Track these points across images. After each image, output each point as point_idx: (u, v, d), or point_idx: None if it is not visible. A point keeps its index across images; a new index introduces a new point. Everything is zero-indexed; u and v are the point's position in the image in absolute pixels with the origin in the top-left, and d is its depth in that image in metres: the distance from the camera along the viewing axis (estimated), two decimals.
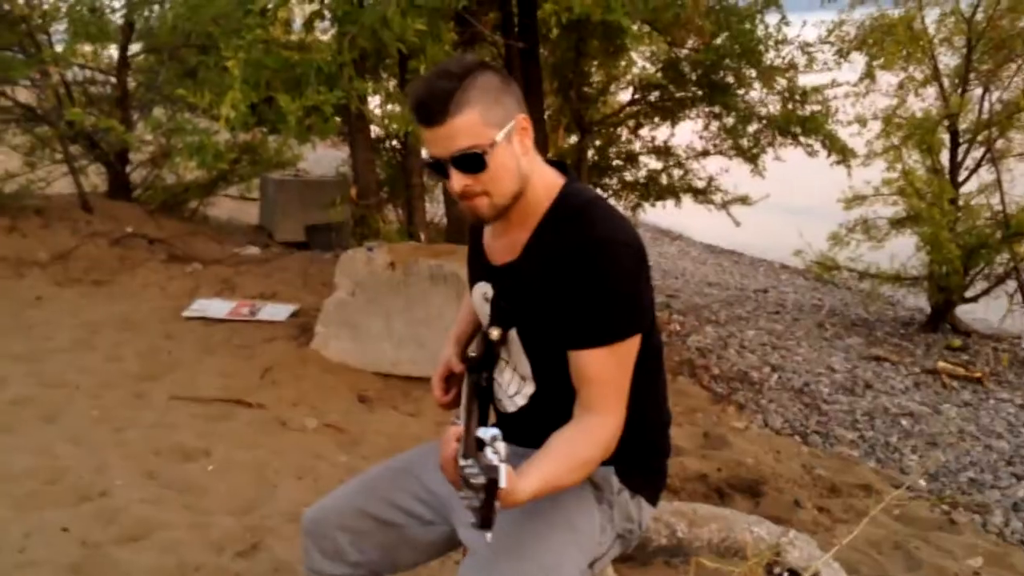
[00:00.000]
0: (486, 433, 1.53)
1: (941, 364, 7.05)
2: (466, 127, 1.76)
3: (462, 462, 1.49)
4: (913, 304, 9.48)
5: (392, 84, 6.48)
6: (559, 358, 1.86)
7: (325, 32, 5.65)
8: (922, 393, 6.44)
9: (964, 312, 8.56)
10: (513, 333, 1.94)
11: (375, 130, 7.46)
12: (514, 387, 2.01)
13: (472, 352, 2.17)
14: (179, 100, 7.32)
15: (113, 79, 9.40)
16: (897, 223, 8.29)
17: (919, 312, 9.05)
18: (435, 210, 8.30)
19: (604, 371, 1.81)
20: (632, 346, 1.84)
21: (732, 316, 8.56)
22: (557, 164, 1.98)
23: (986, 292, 8.29)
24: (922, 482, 4.85)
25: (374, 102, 5.80)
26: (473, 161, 1.77)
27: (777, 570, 2.02)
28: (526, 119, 1.86)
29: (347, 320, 5.36)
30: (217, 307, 6.33)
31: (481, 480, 1.46)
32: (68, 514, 3.45)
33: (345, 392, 5.05)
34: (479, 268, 2.07)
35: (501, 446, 1.52)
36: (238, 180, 10.65)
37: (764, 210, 8.90)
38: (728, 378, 6.39)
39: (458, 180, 1.80)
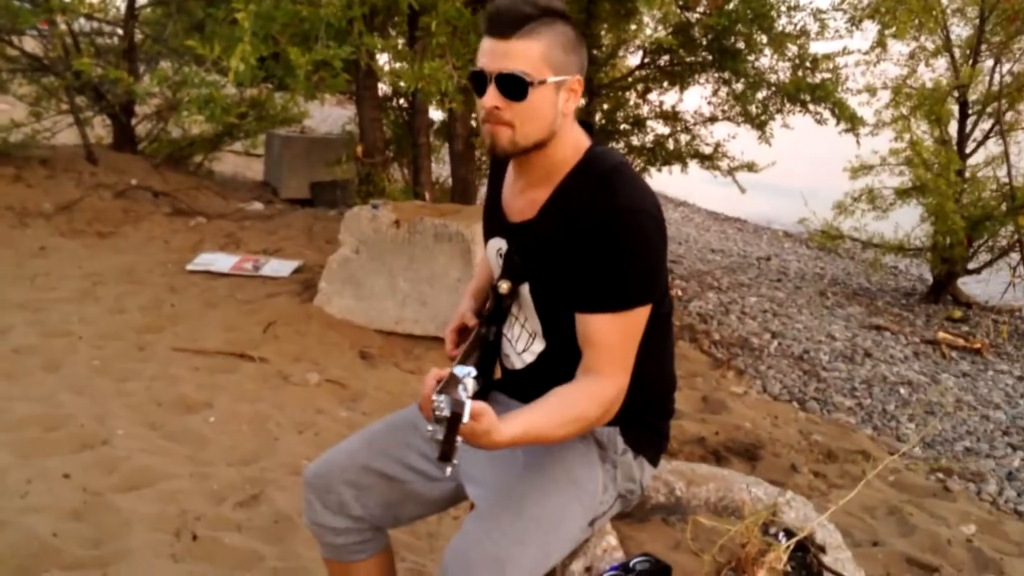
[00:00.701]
0: (461, 371, 1.55)
1: (941, 334, 7.06)
2: (525, 52, 1.76)
3: (434, 397, 1.50)
4: (915, 274, 9.49)
5: (401, 42, 6.43)
6: (570, 318, 1.87)
7: None
8: (921, 363, 6.46)
9: (966, 283, 8.58)
10: (525, 290, 1.94)
11: (382, 88, 7.44)
12: (523, 343, 2.01)
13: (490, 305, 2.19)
14: (186, 53, 7.30)
15: (120, 31, 9.35)
16: (903, 193, 8.29)
17: (920, 282, 9.06)
18: (440, 170, 8.29)
19: (610, 336, 1.81)
20: (642, 315, 1.84)
21: (734, 282, 8.57)
22: (585, 125, 1.97)
23: (989, 264, 8.31)
24: (918, 450, 4.88)
25: (383, 59, 5.78)
26: (516, 86, 1.76)
27: (773, 530, 2.03)
28: (580, 83, 1.86)
29: (351, 277, 5.37)
30: (221, 261, 6.35)
31: (446, 413, 1.47)
32: (70, 461, 3.48)
33: (347, 348, 5.07)
34: (495, 224, 2.06)
35: (470, 382, 1.54)
36: (244, 136, 10.63)
37: (769, 179, 8.88)
38: (728, 343, 6.41)
39: (492, 98, 1.78)
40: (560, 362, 1.89)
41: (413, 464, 2.05)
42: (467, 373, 1.55)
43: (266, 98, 9.82)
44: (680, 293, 7.74)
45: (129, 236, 7.13)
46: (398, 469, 2.04)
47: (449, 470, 1.53)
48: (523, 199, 1.96)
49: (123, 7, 9.27)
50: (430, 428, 1.51)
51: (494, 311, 2.02)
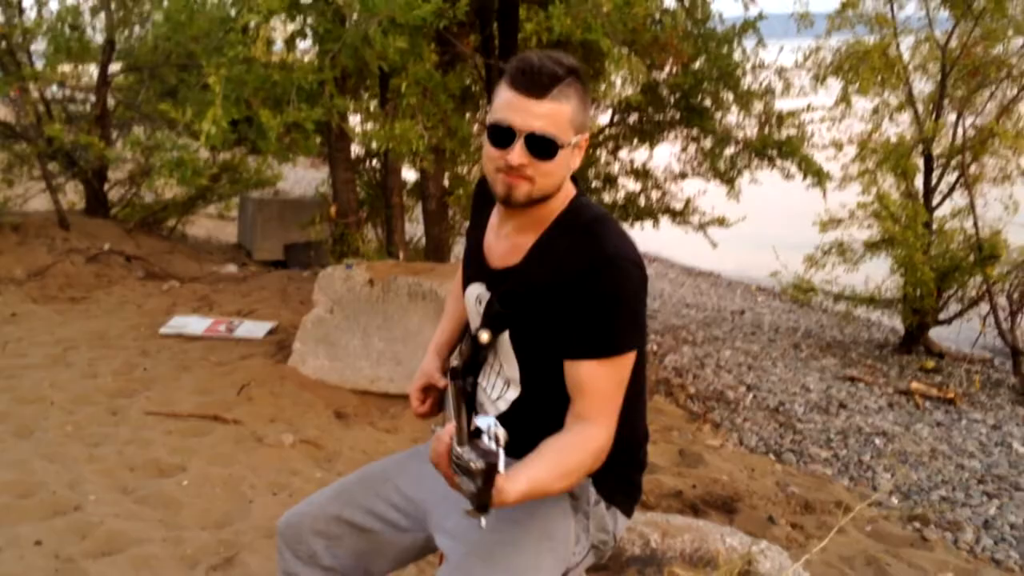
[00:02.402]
0: (483, 422, 1.55)
1: (914, 385, 7.11)
2: (557, 115, 1.82)
3: (457, 450, 1.51)
4: (887, 326, 9.56)
5: (373, 104, 6.50)
6: (549, 364, 1.89)
7: (306, 53, 5.71)
8: (895, 413, 6.49)
9: (938, 334, 8.65)
10: (504, 337, 1.96)
11: (354, 150, 7.49)
12: (497, 391, 2.03)
13: (455, 360, 2.19)
14: (158, 119, 7.34)
15: (93, 97, 9.40)
16: (872, 246, 8.37)
17: (893, 333, 9.12)
18: (413, 230, 8.32)
19: (600, 383, 1.83)
20: (629, 361, 1.87)
21: (709, 337, 8.61)
22: (571, 177, 2.01)
23: (959, 315, 8.37)
24: (894, 500, 4.89)
25: (354, 120, 5.83)
26: (547, 147, 1.82)
27: None
28: (587, 140, 1.92)
29: (325, 337, 5.36)
30: (194, 324, 6.33)
31: (480, 465, 1.48)
32: (42, 528, 3.44)
33: (322, 408, 5.05)
34: (476, 270, 2.08)
35: (500, 432, 1.54)
36: (217, 199, 10.66)
37: (741, 233, 8.96)
38: (704, 397, 6.43)
39: (520, 155, 1.82)
40: (535, 409, 1.90)
41: (382, 514, 2.05)
42: (490, 423, 1.55)
43: (239, 161, 9.88)
44: (655, 347, 7.77)
45: (101, 301, 7.10)
46: (368, 519, 2.04)
47: (484, 521, 1.55)
48: (507, 244, 1.99)
49: (95, 74, 9.32)
50: (459, 482, 1.51)
51: (470, 361, 2.03)
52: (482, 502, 1.51)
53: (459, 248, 8.01)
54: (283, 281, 7.89)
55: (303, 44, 5.45)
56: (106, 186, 9.67)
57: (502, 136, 1.83)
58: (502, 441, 1.53)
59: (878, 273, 8.62)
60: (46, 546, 3.31)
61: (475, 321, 2.06)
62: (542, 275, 1.89)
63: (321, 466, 4.36)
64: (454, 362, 2.26)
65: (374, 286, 5.25)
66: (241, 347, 5.92)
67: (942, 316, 8.43)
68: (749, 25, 6.28)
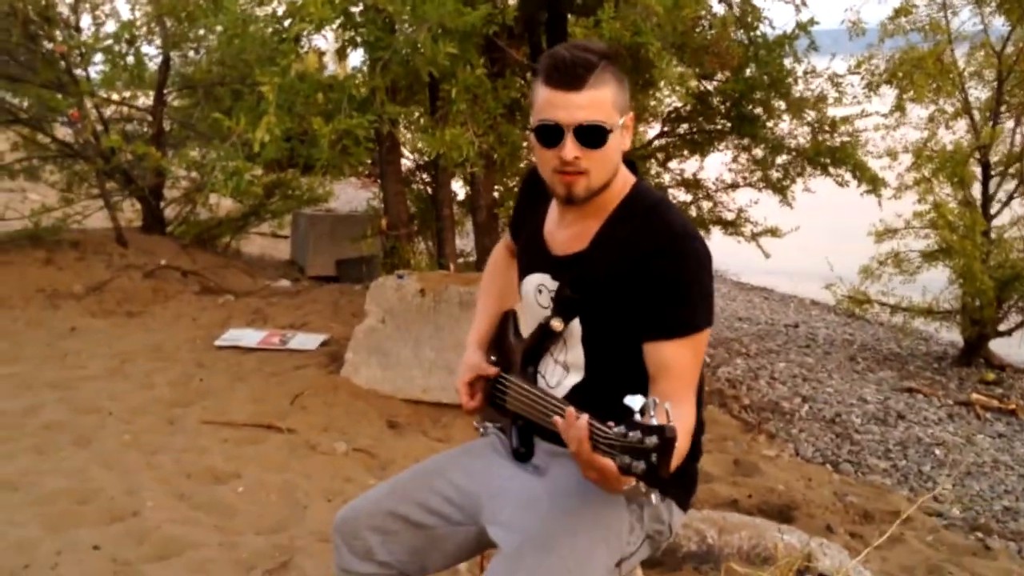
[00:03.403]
0: (635, 401, 1.52)
1: (975, 396, 6.97)
2: (600, 102, 1.83)
3: (614, 432, 1.50)
4: (946, 338, 9.38)
5: (420, 115, 6.54)
6: (615, 348, 1.90)
7: (356, 70, 5.77)
8: (955, 424, 6.36)
9: (998, 346, 8.47)
10: (574, 323, 1.95)
11: (405, 164, 7.55)
12: (556, 378, 2.02)
13: (492, 356, 2.18)
14: (213, 137, 7.46)
15: (149, 116, 9.58)
16: (929, 256, 8.23)
17: (952, 346, 8.95)
18: (464, 244, 8.35)
19: (682, 362, 1.84)
20: (706, 339, 1.89)
21: (762, 349, 8.51)
22: (627, 163, 2.02)
23: (1020, 325, 8.20)
24: (956, 510, 4.78)
25: (405, 133, 5.88)
26: (597, 135, 1.83)
27: None
28: (633, 118, 1.93)
29: (377, 347, 5.38)
30: (249, 336, 6.39)
31: (654, 440, 1.46)
32: (99, 533, 3.49)
33: (375, 418, 5.06)
34: (536, 259, 2.08)
35: (668, 405, 1.51)
36: (270, 216, 10.79)
37: (795, 245, 8.86)
38: (759, 408, 6.35)
39: (573, 149, 1.83)
40: (596, 393, 1.89)
41: (436, 508, 2.05)
42: (645, 400, 1.52)
43: (291, 179, 10.00)
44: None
45: (158, 315, 7.21)
46: (422, 514, 2.04)
47: (655, 498, 1.54)
48: (569, 232, 2.00)
49: (151, 95, 9.51)
50: (630, 462, 1.49)
51: (533, 349, 2.02)
52: (660, 476, 1.48)
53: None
54: (335, 295, 7.94)
55: (354, 54, 5.52)
56: (162, 204, 9.84)
57: (551, 135, 1.85)
58: (670, 413, 1.50)
59: (936, 284, 8.47)
60: (104, 551, 3.34)
61: (535, 311, 2.06)
62: (611, 259, 1.90)
63: (374, 474, 4.36)
64: (491, 358, 2.24)
65: (425, 296, 5.26)
66: (294, 358, 5.96)
67: (1002, 327, 8.25)
68: (802, 27, 6.21)
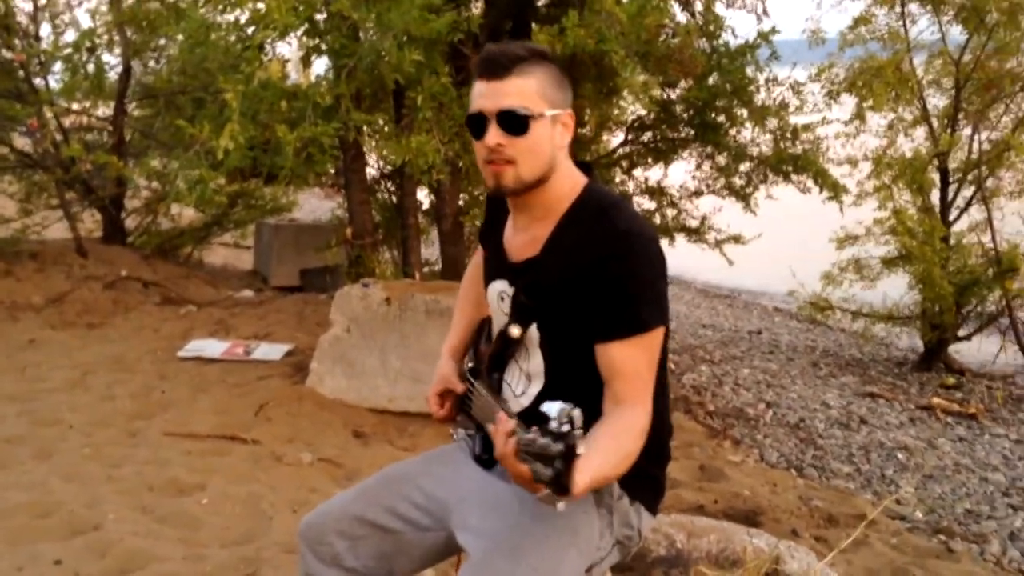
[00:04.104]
0: (551, 407, 1.51)
1: (935, 400, 7.04)
2: (523, 89, 1.84)
3: (526, 438, 1.48)
4: (906, 344, 9.49)
5: (384, 122, 6.51)
6: (575, 354, 1.88)
7: (320, 77, 5.74)
8: (917, 428, 6.43)
9: (958, 352, 8.58)
10: (532, 329, 1.95)
11: (369, 172, 7.52)
12: (521, 386, 2.02)
13: (469, 362, 2.18)
14: (175, 146, 7.40)
15: (109, 127, 9.49)
16: (889, 262, 8.33)
17: (912, 352, 9.05)
18: (429, 253, 8.33)
19: (634, 362, 1.83)
20: (658, 338, 1.86)
21: (727, 356, 8.57)
22: (583, 165, 2.02)
23: (979, 330, 8.31)
24: (919, 513, 4.83)
25: (370, 140, 5.87)
26: (517, 122, 1.83)
27: None
28: (572, 117, 1.93)
29: (342, 357, 5.35)
30: (212, 347, 6.33)
31: (559, 447, 1.46)
32: (61, 547, 3.43)
33: (340, 428, 5.03)
34: (496, 266, 2.08)
35: (576, 412, 1.50)
36: (233, 226, 10.71)
37: (757, 253, 8.93)
38: (723, 414, 6.38)
39: (495, 136, 1.85)
40: (561, 398, 1.88)
41: (404, 513, 2.04)
42: (561, 407, 1.51)
43: (255, 188, 9.93)
44: (673, 366, 7.73)
45: (119, 326, 7.12)
46: (390, 519, 2.03)
47: (562, 506, 1.51)
48: (524, 237, 2.00)
49: (112, 105, 9.41)
50: (539, 468, 1.48)
51: (497, 357, 2.02)
52: (563, 484, 1.48)
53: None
54: (300, 305, 7.89)
55: (317, 68, 5.50)
56: (123, 214, 9.73)
57: (478, 125, 1.87)
58: (578, 421, 1.49)
59: (896, 290, 8.57)
60: (66, 565, 3.29)
61: (499, 318, 2.06)
62: (562, 263, 1.89)
63: (340, 484, 4.33)
64: (469, 364, 2.25)
65: (391, 305, 5.24)
66: (259, 369, 5.92)
67: (961, 332, 8.36)
68: (764, 37, 6.27)
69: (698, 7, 6.38)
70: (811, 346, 9.53)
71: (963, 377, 8.11)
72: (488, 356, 2.06)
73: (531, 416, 1.90)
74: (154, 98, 9.40)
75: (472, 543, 1.90)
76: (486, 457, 2.05)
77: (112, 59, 8.54)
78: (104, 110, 9.61)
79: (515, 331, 1.96)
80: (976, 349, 8.53)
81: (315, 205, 14.93)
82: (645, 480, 2.01)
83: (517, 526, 1.83)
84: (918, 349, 8.82)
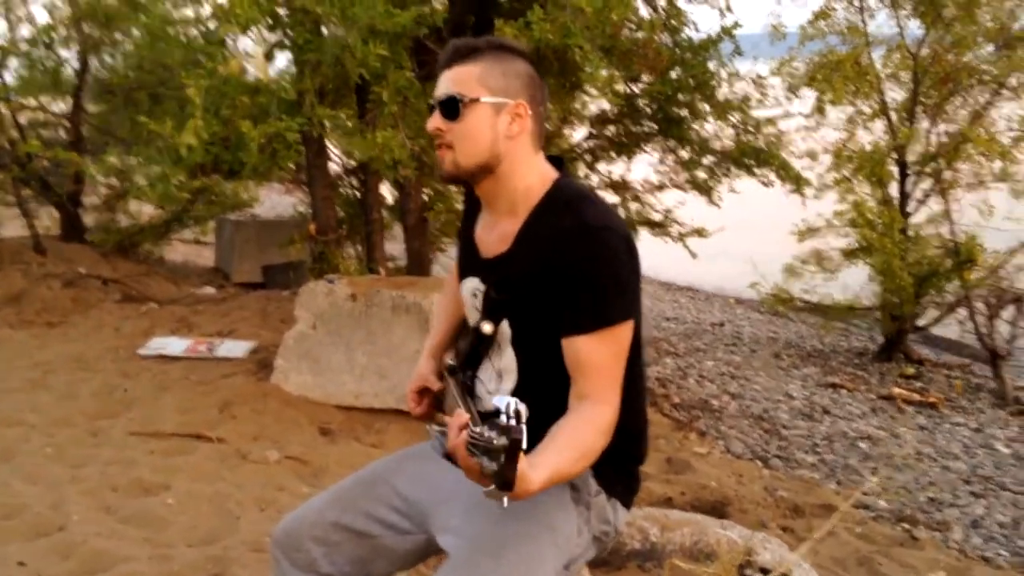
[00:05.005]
0: (501, 401, 1.50)
1: (896, 390, 7.14)
2: (463, 76, 1.87)
3: (475, 431, 1.48)
4: (866, 335, 9.61)
5: (348, 117, 6.47)
6: (546, 349, 1.87)
7: (282, 73, 5.69)
8: (879, 418, 6.51)
9: (916, 341, 8.71)
10: (503, 326, 1.94)
11: (333, 167, 7.47)
12: (493, 383, 2.00)
13: (449, 358, 2.17)
14: (133, 143, 7.31)
15: (67, 123, 9.35)
16: (849, 254, 8.43)
17: (872, 342, 9.16)
18: (393, 248, 8.29)
19: (599, 357, 1.81)
20: (626, 332, 1.85)
21: (690, 348, 8.62)
22: (555, 160, 2.01)
23: (938, 320, 8.44)
24: (882, 502, 4.89)
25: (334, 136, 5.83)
26: (450, 106, 1.85)
27: (749, 571, 2.02)
28: (526, 109, 1.90)
29: (308, 353, 5.32)
30: (174, 345, 6.26)
31: (503, 441, 1.45)
32: (25, 549, 3.38)
33: (306, 425, 5.00)
34: (469, 264, 2.07)
35: (521, 407, 1.49)
36: (193, 222, 10.58)
37: (719, 246, 8.98)
38: (689, 406, 6.43)
39: (434, 120, 1.88)
40: (532, 397, 1.88)
41: (381, 517, 2.02)
42: (509, 401, 1.49)
43: (215, 184, 9.82)
44: None
45: (79, 324, 7.02)
46: (366, 523, 2.01)
47: (507, 501, 1.51)
48: (494, 233, 1.99)
49: (69, 101, 9.28)
50: (484, 463, 1.48)
51: (470, 354, 2.01)
52: (506, 480, 1.47)
53: (441, 261, 7.98)
54: (263, 301, 7.83)
55: (280, 56, 5.45)
56: (81, 211, 9.60)
57: (431, 111, 1.91)
58: (524, 416, 1.48)
59: (856, 282, 8.67)
60: (30, 567, 3.24)
61: (473, 315, 2.04)
62: (530, 257, 1.88)
63: (307, 482, 4.31)
64: (448, 360, 2.24)
65: (356, 301, 5.22)
66: (222, 366, 5.86)
67: (920, 322, 8.49)
68: (727, 32, 6.30)
69: (661, 2, 6.39)
70: (773, 337, 9.61)
71: (922, 367, 8.23)
72: (463, 353, 2.05)
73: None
74: (111, 94, 9.26)
75: (453, 544, 1.89)
76: None
77: (69, 54, 8.40)
78: (61, 106, 9.46)
79: (487, 327, 1.95)
80: (935, 339, 8.67)
81: (276, 200, 14.81)
82: (621, 476, 2.01)
83: (497, 526, 1.82)
84: (878, 339, 8.94)
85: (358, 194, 7.75)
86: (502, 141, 1.88)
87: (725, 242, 8.78)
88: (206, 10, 4.67)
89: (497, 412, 1.50)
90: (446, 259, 8.07)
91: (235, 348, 6.19)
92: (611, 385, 1.83)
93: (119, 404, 5.17)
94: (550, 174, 1.96)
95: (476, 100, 1.85)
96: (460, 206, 2.51)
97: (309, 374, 5.31)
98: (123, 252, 9.51)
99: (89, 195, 9.67)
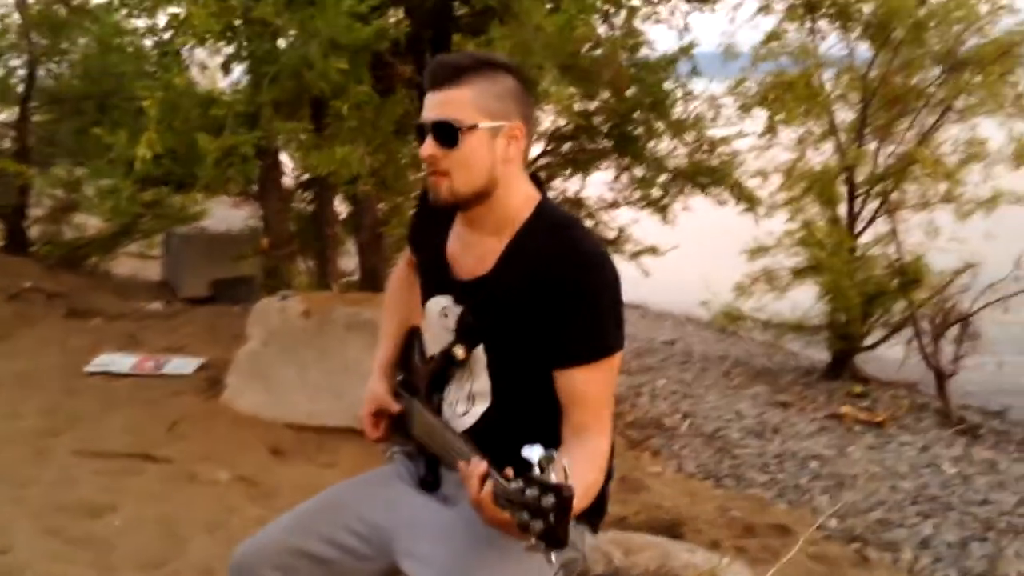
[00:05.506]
0: (532, 453, 1.44)
1: (844, 409, 7.22)
2: (457, 99, 1.80)
3: (510, 488, 1.43)
4: (814, 354, 9.72)
5: (306, 134, 6.41)
6: (523, 376, 1.85)
7: (234, 85, 5.62)
8: (828, 437, 6.58)
9: (863, 360, 8.81)
10: (479, 350, 1.90)
11: (286, 181, 7.39)
12: (463, 406, 1.96)
13: (399, 375, 2.13)
14: (80, 154, 7.17)
15: (12, 133, 9.16)
16: (799, 273, 8.53)
17: (820, 361, 9.26)
18: (346, 263, 8.23)
19: (596, 388, 1.79)
20: (618, 362, 1.84)
21: (643, 366, 8.65)
22: (532, 177, 1.98)
23: (884, 340, 8.55)
24: (833, 522, 4.94)
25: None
26: (447, 133, 1.79)
27: None
28: (522, 130, 1.87)
29: (260, 371, 5.24)
30: (121, 362, 6.12)
31: (551, 500, 1.39)
32: None
33: (257, 445, 4.91)
34: (439, 282, 2.01)
35: (566, 461, 1.44)
36: (141, 236, 10.40)
37: (669, 265, 9.04)
38: (642, 425, 6.45)
39: (428, 147, 1.81)
40: (506, 420, 1.86)
41: (342, 542, 1.97)
42: (542, 453, 1.43)
43: (164, 196, 9.66)
44: None
45: (23, 340, 6.84)
46: (328, 549, 1.95)
47: (556, 556, 1.45)
48: (473, 253, 1.93)
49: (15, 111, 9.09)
50: (524, 518, 1.41)
51: (438, 376, 1.97)
52: (558, 539, 1.41)
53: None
54: (212, 317, 7.70)
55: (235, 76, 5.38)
56: (25, 223, 9.40)
57: (420, 136, 1.84)
58: (570, 471, 1.43)
59: (803, 301, 8.76)
60: None
61: (441, 335, 2.00)
62: (517, 282, 1.84)
63: (258, 503, 4.24)
64: (398, 377, 2.19)
65: (310, 318, 5.16)
66: (171, 384, 5.74)
67: (867, 342, 8.59)
68: (685, 51, 6.35)
69: (617, 21, 6.42)
70: (723, 356, 9.68)
71: (869, 386, 8.32)
72: (428, 374, 2.02)
73: (480, 437, 1.87)
74: (58, 103, 9.09)
75: (418, 571, 1.85)
76: (431, 479, 2.01)
77: (17, 62, 8.23)
78: (6, 115, 9.27)
79: (460, 352, 1.91)
80: (881, 358, 8.78)
81: (224, 214, 14.66)
82: (591, 501, 1.99)
83: (464, 553, 1.79)
84: (825, 358, 9.04)
85: (311, 208, 7.68)
86: (499, 165, 1.84)
87: (676, 260, 8.84)
88: (161, 20, 4.59)
89: (527, 464, 1.44)
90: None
91: (184, 365, 6.07)
92: (608, 414, 1.83)
93: (65, 422, 5.04)
94: (534, 195, 1.93)
95: (475, 127, 1.80)
96: None
97: (261, 392, 5.23)
98: (69, 265, 9.32)
99: (35, 206, 9.46)
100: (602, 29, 6.54)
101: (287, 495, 4.33)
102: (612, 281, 1.81)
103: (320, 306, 5.20)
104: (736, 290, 8.77)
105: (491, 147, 1.83)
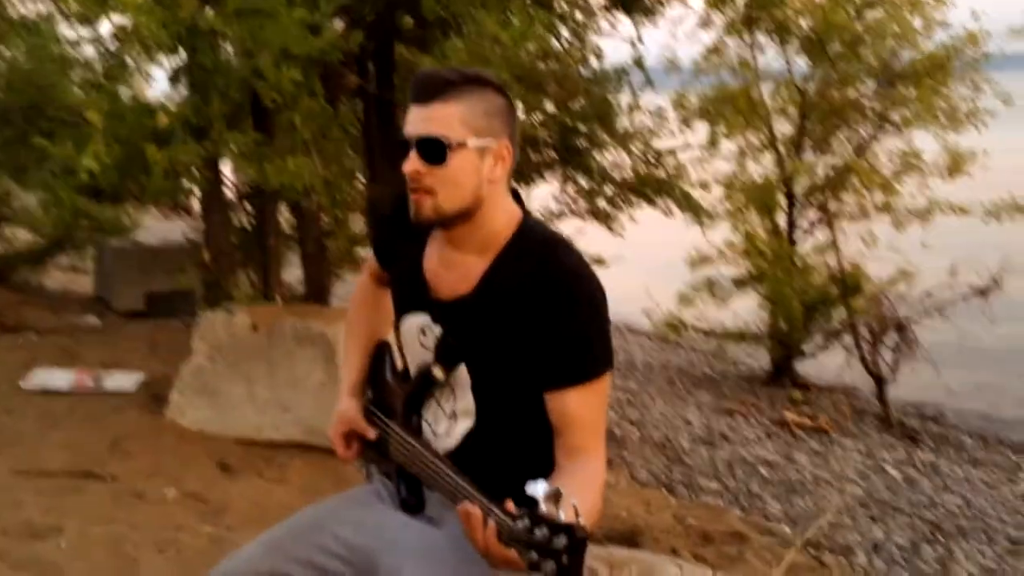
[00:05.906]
0: (537, 489, 1.39)
1: (789, 415, 7.32)
2: (445, 116, 1.74)
3: (517, 528, 1.38)
4: (754, 361, 9.83)
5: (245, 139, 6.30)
6: (508, 396, 1.81)
7: (181, 96, 5.50)
8: (774, 443, 6.66)
9: (802, 366, 8.94)
10: (459, 369, 1.86)
11: (225, 192, 7.25)
12: (443, 426, 1.92)
13: (368, 392, 2.08)
14: (12, 166, 6.96)
15: None
16: (740, 282, 8.64)
17: (760, 369, 9.38)
18: (288, 275, 8.10)
19: (589, 410, 1.76)
20: (609, 381, 1.81)
21: None
22: (512, 193, 1.94)
23: (824, 346, 8.69)
24: (786, 528, 4.98)
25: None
26: (435, 149, 1.73)
27: None
28: (509, 149, 1.82)
29: (205, 386, 5.12)
30: (58, 378, 5.93)
31: (563, 542, 1.34)
32: None
33: (205, 460, 4.80)
34: (416, 298, 1.95)
35: (575, 500, 1.38)
36: (73, 247, 10.13)
37: (612, 271, 9.06)
38: None
39: (413, 163, 1.75)
40: (490, 439, 1.82)
41: (321, 565, 1.89)
42: (547, 490, 1.37)
43: (96, 209, 9.42)
44: None
45: None
46: (305, 572, 1.88)
47: None
48: (454, 272, 1.88)
49: None
50: (533, 557, 1.35)
51: (415, 396, 1.92)
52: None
53: (339, 292, 7.79)
54: (150, 330, 7.54)
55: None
56: None
57: (404, 151, 1.77)
58: (581, 510, 1.37)
59: (744, 310, 8.88)
60: None
61: (418, 353, 1.95)
62: (500, 303, 1.80)
63: (208, 520, 4.14)
64: (368, 394, 2.14)
65: (258, 331, 5.06)
66: (112, 400, 5.59)
67: (807, 348, 8.73)
68: (638, 64, 6.35)
69: (564, 33, 6.41)
70: (665, 364, 9.75)
71: (810, 392, 8.46)
72: (406, 395, 1.96)
73: (463, 457, 1.82)
74: None
75: None
76: (413, 501, 1.95)
77: None
78: None
79: (438, 373, 1.87)
80: (820, 364, 8.93)
81: (157, 226, 14.37)
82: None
83: (451, 574, 1.74)
84: (765, 365, 9.15)
85: (253, 220, 7.54)
86: (485, 185, 1.79)
87: (616, 270, 8.87)
88: (105, 29, 4.47)
89: (532, 501, 1.38)
90: (346, 287, 7.91)
91: (124, 381, 5.92)
92: (601, 435, 1.79)
93: (2, 441, 4.88)
94: (516, 213, 1.89)
95: (463, 145, 1.75)
96: (359, 231, 2.35)
97: (207, 408, 5.11)
98: None
99: None
100: (554, 42, 6.55)
101: (237, 511, 4.24)
102: (599, 299, 1.78)
103: (267, 319, 5.10)
104: (679, 299, 8.84)
105: (478, 166, 1.78)
